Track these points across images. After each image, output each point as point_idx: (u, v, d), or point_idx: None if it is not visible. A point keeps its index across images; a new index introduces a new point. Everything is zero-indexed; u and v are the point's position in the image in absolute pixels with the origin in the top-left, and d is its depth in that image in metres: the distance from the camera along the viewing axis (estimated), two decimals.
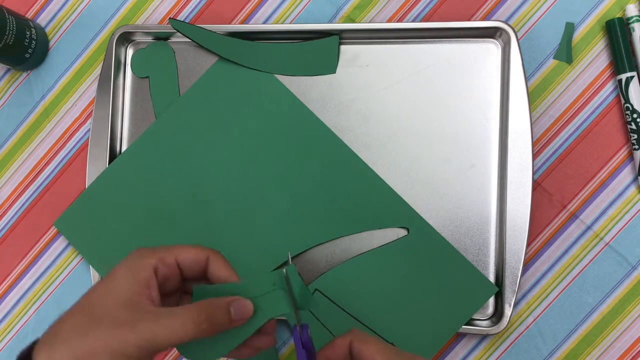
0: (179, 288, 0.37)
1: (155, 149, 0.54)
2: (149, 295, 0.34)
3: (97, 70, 0.58)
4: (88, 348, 0.31)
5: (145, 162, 0.54)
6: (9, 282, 0.58)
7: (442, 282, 0.49)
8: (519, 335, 0.50)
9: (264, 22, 0.56)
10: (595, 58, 0.50)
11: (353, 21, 0.54)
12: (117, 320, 0.32)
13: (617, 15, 0.50)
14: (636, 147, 0.48)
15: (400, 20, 0.53)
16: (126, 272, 0.34)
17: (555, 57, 0.51)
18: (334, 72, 0.52)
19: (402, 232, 0.50)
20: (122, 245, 0.54)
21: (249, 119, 0.53)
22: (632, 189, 0.49)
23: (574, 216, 0.50)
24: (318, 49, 0.52)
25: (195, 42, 0.53)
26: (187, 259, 0.36)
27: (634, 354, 0.49)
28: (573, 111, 0.50)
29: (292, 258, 0.52)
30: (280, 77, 0.53)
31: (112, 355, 0.31)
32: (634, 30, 0.49)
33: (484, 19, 0.52)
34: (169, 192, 0.53)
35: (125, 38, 0.56)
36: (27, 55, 0.57)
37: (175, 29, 0.53)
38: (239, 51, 0.53)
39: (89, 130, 0.57)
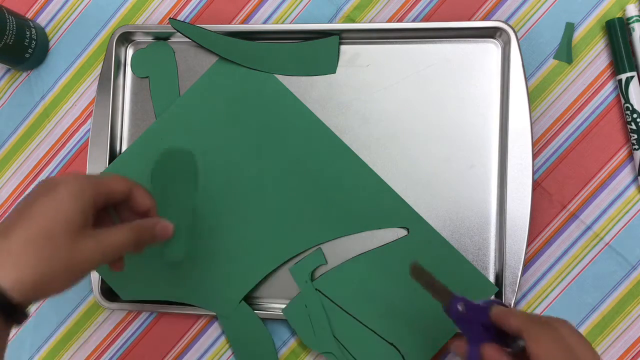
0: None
1: (155, 148, 0.54)
2: (89, 220, 0.38)
3: (97, 70, 0.58)
4: (46, 259, 0.35)
5: (145, 162, 0.54)
6: None
7: (442, 282, 0.49)
8: None
9: (264, 22, 0.56)
10: (595, 58, 0.50)
11: (353, 21, 0.54)
12: (72, 238, 0.37)
13: (617, 15, 0.50)
14: (636, 147, 0.48)
15: (400, 20, 0.53)
16: (71, 198, 0.37)
17: (555, 57, 0.51)
18: (334, 72, 0.52)
19: (402, 232, 0.50)
20: None
21: (249, 119, 0.53)
22: (632, 189, 0.49)
23: (574, 216, 0.50)
24: (318, 49, 0.52)
25: (195, 42, 0.53)
26: (117, 190, 0.41)
27: (634, 354, 0.49)
28: (573, 111, 0.50)
29: (291, 258, 0.52)
30: (280, 77, 0.53)
31: (68, 269, 0.36)
32: (634, 30, 0.49)
33: (484, 19, 0.52)
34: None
35: (125, 38, 0.56)
36: (27, 55, 0.57)
37: (175, 29, 0.53)
38: (239, 51, 0.53)
39: (89, 130, 0.57)
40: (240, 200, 0.52)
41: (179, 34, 0.54)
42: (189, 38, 0.53)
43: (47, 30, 0.59)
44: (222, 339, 0.54)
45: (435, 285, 0.41)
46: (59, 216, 0.36)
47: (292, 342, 0.53)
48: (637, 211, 0.49)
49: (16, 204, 0.38)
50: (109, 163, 0.55)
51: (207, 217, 0.53)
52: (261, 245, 0.52)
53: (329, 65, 0.52)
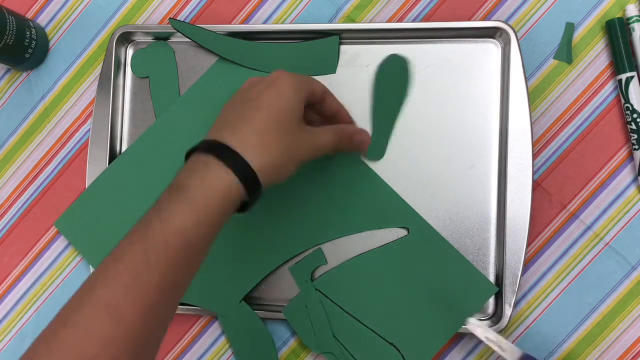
0: None
1: (154, 149, 0.54)
2: (303, 114, 0.41)
3: (97, 70, 0.58)
4: (281, 146, 0.39)
5: (145, 162, 0.54)
6: (9, 282, 0.58)
7: (442, 282, 0.49)
8: (519, 335, 0.50)
9: (264, 22, 0.55)
10: (595, 58, 0.50)
11: (353, 21, 0.54)
12: (297, 128, 0.40)
13: (617, 15, 0.50)
14: (636, 147, 0.48)
15: (400, 20, 0.53)
16: (292, 91, 0.40)
17: (555, 57, 0.51)
18: (334, 72, 0.52)
19: (402, 232, 0.50)
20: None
21: None
22: (632, 189, 0.49)
23: (574, 216, 0.50)
24: (318, 49, 0.52)
25: (195, 42, 0.53)
26: (318, 90, 0.44)
27: (634, 354, 0.49)
28: (573, 111, 0.50)
29: (291, 258, 0.52)
30: None
31: (294, 157, 0.40)
32: (634, 30, 0.49)
33: (484, 19, 0.52)
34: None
35: (125, 38, 0.56)
36: (27, 55, 0.57)
37: (175, 29, 0.53)
38: (239, 51, 0.53)
39: (89, 130, 0.57)
40: None
41: (179, 34, 0.54)
42: (189, 38, 0.53)
43: (47, 30, 0.59)
44: (222, 339, 0.54)
45: (500, 343, 0.44)
46: (286, 107, 0.40)
47: (292, 342, 0.53)
48: (637, 211, 0.49)
49: (239, 98, 0.42)
50: (109, 163, 0.55)
51: None
52: (261, 245, 0.52)
53: (329, 65, 0.52)
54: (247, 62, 0.53)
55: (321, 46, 0.52)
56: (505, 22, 0.49)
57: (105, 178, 0.54)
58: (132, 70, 0.56)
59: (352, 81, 0.52)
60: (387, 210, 0.50)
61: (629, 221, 0.49)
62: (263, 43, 0.53)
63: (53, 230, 0.58)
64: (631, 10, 0.49)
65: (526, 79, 0.48)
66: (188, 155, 0.39)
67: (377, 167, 0.51)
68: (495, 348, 0.45)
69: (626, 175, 0.49)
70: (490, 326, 0.48)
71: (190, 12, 0.57)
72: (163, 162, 0.54)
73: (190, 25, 0.53)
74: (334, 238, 0.51)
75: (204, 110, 0.54)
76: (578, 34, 0.51)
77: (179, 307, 0.53)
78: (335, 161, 0.51)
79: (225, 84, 0.53)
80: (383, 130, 0.51)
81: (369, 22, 0.54)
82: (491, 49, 0.50)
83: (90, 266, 0.55)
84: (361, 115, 0.52)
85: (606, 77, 0.50)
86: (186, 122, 0.54)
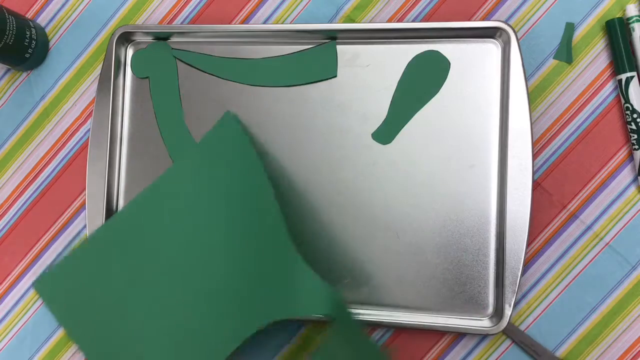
0: None
1: (138, 223, 0.52)
2: None
3: (97, 70, 0.58)
4: None
5: (133, 233, 0.52)
6: (9, 282, 0.58)
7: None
8: None
9: (264, 22, 0.56)
10: (595, 58, 0.50)
11: (353, 21, 0.54)
12: None
13: (617, 15, 0.50)
14: (636, 147, 0.48)
15: (400, 20, 0.53)
16: None
17: (555, 57, 0.51)
18: (335, 76, 0.52)
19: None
20: (103, 316, 0.51)
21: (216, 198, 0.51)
22: (632, 189, 0.49)
23: (574, 216, 0.50)
24: (316, 57, 0.52)
25: (195, 67, 0.53)
26: None
27: (634, 354, 0.49)
28: (573, 111, 0.50)
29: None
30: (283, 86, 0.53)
31: None
32: (634, 30, 0.49)
33: (484, 19, 0.52)
34: (152, 266, 0.51)
35: (125, 38, 0.56)
36: (27, 55, 0.57)
37: (176, 58, 0.54)
38: (238, 70, 0.53)
39: (89, 130, 0.57)
40: (195, 280, 0.50)
41: (178, 33, 0.54)
42: (188, 65, 0.53)
43: (47, 30, 0.59)
44: None
45: (533, 345, 0.46)
46: None
47: (292, 342, 0.53)
48: (637, 211, 0.49)
49: None
50: (109, 164, 0.54)
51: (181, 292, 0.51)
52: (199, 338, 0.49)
53: (328, 71, 0.52)
54: (248, 79, 0.53)
55: (319, 53, 0.52)
56: (505, 22, 0.49)
57: (89, 246, 0.52)
58: (132, 71, 0.56)
59: (352, 81, 0.52)
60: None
61: (629, 221, 0.49)
62: (261, 59, 0.53)
63: (53, 230, 0.58)
64: (631, 10, 0.49)
65: (526, 79, 0.48)
66: None
67: (377, 167, 0.51)
68: (526, 349, 0.45)
69: (626, 175, 0.49)
70: (490, 326, 0.48)
71: (190, 12, 0.57)
72: (153, 235, 0.51)
73: (188, 53, 0.53)
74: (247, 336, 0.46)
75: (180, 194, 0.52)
76: (578, 34, 0.51)
77: None
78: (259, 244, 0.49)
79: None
80: (400, 115, 0.50)
81: (369, 22, 0.54)
82: (491, 49, 0.50)
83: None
84: (361, 114, 0.52)
85: (606, 77, 0.50)
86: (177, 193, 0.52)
